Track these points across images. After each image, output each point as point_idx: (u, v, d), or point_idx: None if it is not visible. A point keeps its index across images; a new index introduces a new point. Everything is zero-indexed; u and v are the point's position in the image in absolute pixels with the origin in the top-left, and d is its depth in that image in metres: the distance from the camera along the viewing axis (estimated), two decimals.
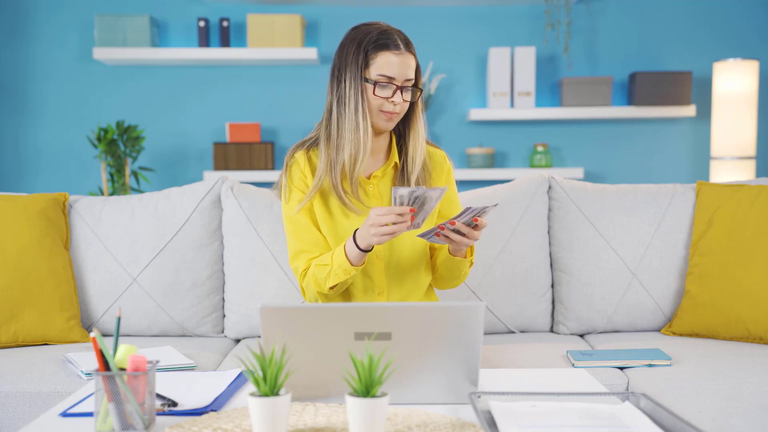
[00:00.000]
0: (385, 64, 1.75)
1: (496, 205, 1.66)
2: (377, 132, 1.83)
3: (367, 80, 1.76)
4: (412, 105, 1.84)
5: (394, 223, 1.63)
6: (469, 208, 1.62)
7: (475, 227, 1.67)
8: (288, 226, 1.86)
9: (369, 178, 1.87)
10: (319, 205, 1.84)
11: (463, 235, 1.68)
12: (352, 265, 1.72)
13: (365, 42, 1.76)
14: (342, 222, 1.83)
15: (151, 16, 3.64)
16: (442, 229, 1.67)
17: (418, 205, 1.63)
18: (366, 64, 1.76)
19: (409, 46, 1.78)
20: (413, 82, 1.80)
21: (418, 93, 1.82)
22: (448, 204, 1.94)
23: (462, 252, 1.79)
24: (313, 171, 1.85)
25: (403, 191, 1.61)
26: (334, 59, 1.83)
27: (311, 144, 1.88)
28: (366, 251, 1.71)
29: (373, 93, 1.76)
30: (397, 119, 1.81)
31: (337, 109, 1.80)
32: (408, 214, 1.62)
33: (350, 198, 1.80)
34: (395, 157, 1.88)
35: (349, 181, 1.79)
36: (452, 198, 1.96)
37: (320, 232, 1.85)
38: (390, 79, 1.75)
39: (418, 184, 1.85)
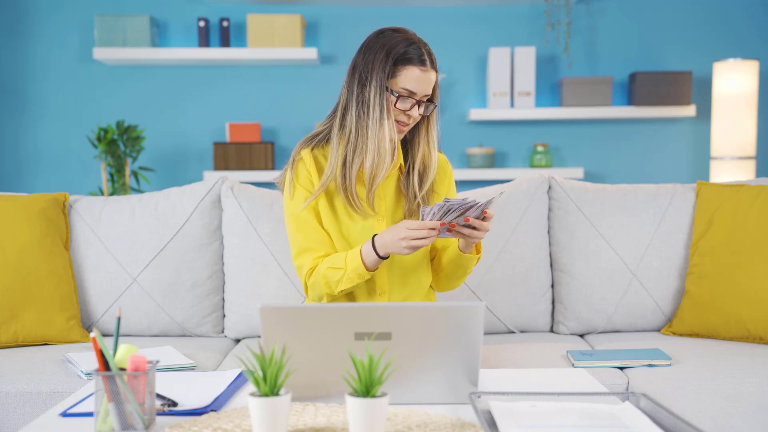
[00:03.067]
0: (410, 78, 1.76)
1: (501, 193, 1.69)
2: None
3: (390, 91, 1.77)
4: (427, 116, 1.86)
5: (425, 237, 1.66)
6: (477, 202, 1.63)
7: (484, 219, 1.69)
8: (292, 222, 1.85)
9: None
10: (324, 204, 1.84)
11: (472, 228, 1.69)
12: (367, 270, 1.74)
13: (394, 52, 1.77)
14: (346, 222, 1.83)
15: (151, 16, 3.64)
16: (453, 226, 1.68)
17: (445, 214, 1.66)
18: (393, 75, 1.77)
19: (433, 61, 1.80)
20: (430, 96, 1.82)
21: (432, 107, 1.83)
22: None
23: (471, 248, 1.80)
24: (318, 170, 1.84)
25: (434, 208, 1.64)
26: (356, 59, 1.82)
27: (319, 141, 1.87)
28: (384, 258, 1.73)
29: (395, 105, 1.77)
30: (407, 130, 1.83)
31: (357, 113, 1.79)
32: (438, 229, 1.66)
33: (363, 203, 1.81)
34: (400, 159, 1.88)
35: (367, 188, 1.80)
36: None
37: (325, 230, 1.85)
38: (411, 93, 1.77)
39: (422, 183, 1.86)
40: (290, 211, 1.86)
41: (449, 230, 1.70)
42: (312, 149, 1.86)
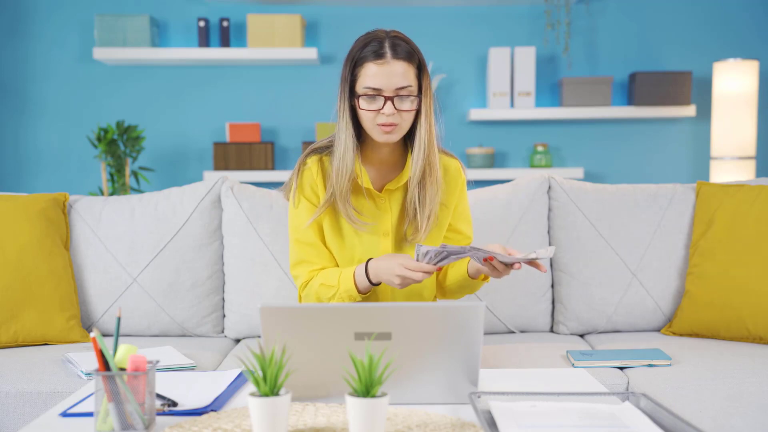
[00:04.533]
0: (368, 75, 1.68)
1: (552, 247, 1.62)
2: (381, 145, 1.79)
3: (355, 94, 1.71)
4: (418, 114, 1.74)
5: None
6: (477, 250, 1.59)
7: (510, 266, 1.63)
8: (291, 233, 1.83)
9: (381, 191, 1.82)
10: (329, 219, 1.80)
11: (492, 267, 1.63)
12: (359, 292, 1.71)
13: (350, 56, 1.72)
14: (350, 237, 1.80)
15: (151, 16, 3.64)
16: (492, 260, 1.62)
17: (441, 260, 1.62)
18: (354, 79, 1.71)
19: (398, 51, 1.68)
20: (414, 89, 1.71)
21: (418, 101, 1.72)
22: (457, 218, 1.89)
23: (479, 274, 1.76)
24: (324, 177, 1.79)
25: (430, 250, 1.59)
26: None
27: (327, 149, 1.82)
28: (375, 285, 1.70)
29: (360, 106, 1.70)
30: (398, 131, 1.72)
31: (336, 122, 1.77)
32: (432, 271, 1.62)
33: (357, 216, 1.76)
34: (408, 172, 1.80)
35: (338, 195, 1.75)
36: (462, 212, 1.90)
37: (323, 243, 1.82)
38: (377, 91, 1.68)
39: (422, 198, 1.78)
40: (293, 222, 1.83)
41: (485, 260, 1.63)
42: (321, 157, 1.81)
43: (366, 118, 1.71)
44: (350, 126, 1.73)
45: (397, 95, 1.69)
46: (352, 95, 1.73)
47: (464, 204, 1.91)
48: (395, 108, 1.69)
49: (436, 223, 1.81)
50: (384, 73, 1.67)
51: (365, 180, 1.79)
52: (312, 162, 1.81)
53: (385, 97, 1.68)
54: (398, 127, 1.71)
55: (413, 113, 1.73)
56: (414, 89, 1.71)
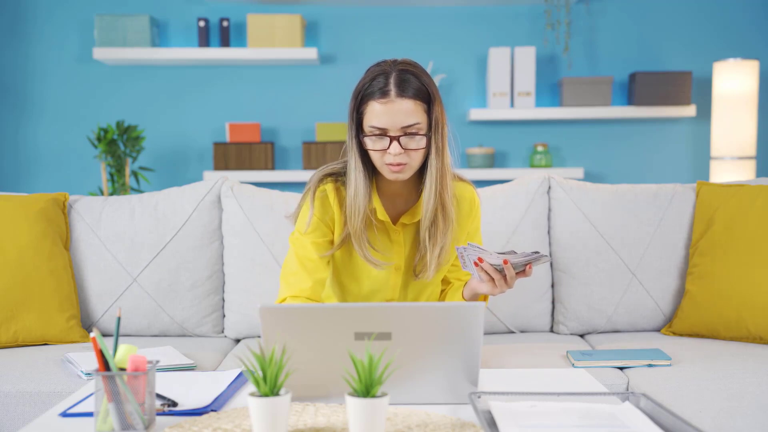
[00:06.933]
0: (373, 114, 1.60)
1: (547, 257, 1.58)
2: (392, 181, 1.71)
3: (362, 133, 1.64)
4: (430, 149, 1.66)
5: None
6: (531, 253, 1.56)
7: (522, 272, 1.60)
8: (295, 248, 1.75)
9: (395, 221, 1.76)
10: (341, 250, 1.74)
11: (503, 276, 1.60)
12: None
13: (357, 91, 1.63)
14: (362, 266, 1.75)
15: (151, 16, 3.64)
16: (482, 261, 1.58)
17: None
18: (360, 117, 1.63)
19: (405, 89, 1.59)
20: (423, 127, 1.62)
21: (427, 138, 1.63)
22: (469, 240, 1.83)
23: (476, 298, 1.73)
24: (341, 203, 1.71)
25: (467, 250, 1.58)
26: None
27: (342, 176, 1.74)
28: None
29: (366, 146, 1.63)
30: (408, 170, 1.64)
31: (348, 158, 1.70)
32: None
33: (373, 253, 1.69)
34: (421, 206, 1.72)
35: (353, 235, 1.69)
36: (473, 235, 1.84)
37: (324, 266, 1.75)
38: (382, 130, 1.60)
39: (432, 236, 1.70)
40: (300, 242, 1.73)
41: (476, 264, 1.60)
42: (337, 185, 1.73)
43: (374, 157, 1.64)
44: (360, 164, 1.66)
45: (404, 134, 1.61)
46: (360, 131, 1.65)
47: (474, 230, 1.85)
48: (402, 148, 1.60)
49: (447, 259, 1.76)
50: (389, 113, 1.59)
51: (381, 213, 1.72)
52: (329, 189, 1.72)
53: (390, 137, 1.60)
54: (407, 166, 1.63)
55: (423, 151, 1.64)
56: (423, 126, 1.63)
